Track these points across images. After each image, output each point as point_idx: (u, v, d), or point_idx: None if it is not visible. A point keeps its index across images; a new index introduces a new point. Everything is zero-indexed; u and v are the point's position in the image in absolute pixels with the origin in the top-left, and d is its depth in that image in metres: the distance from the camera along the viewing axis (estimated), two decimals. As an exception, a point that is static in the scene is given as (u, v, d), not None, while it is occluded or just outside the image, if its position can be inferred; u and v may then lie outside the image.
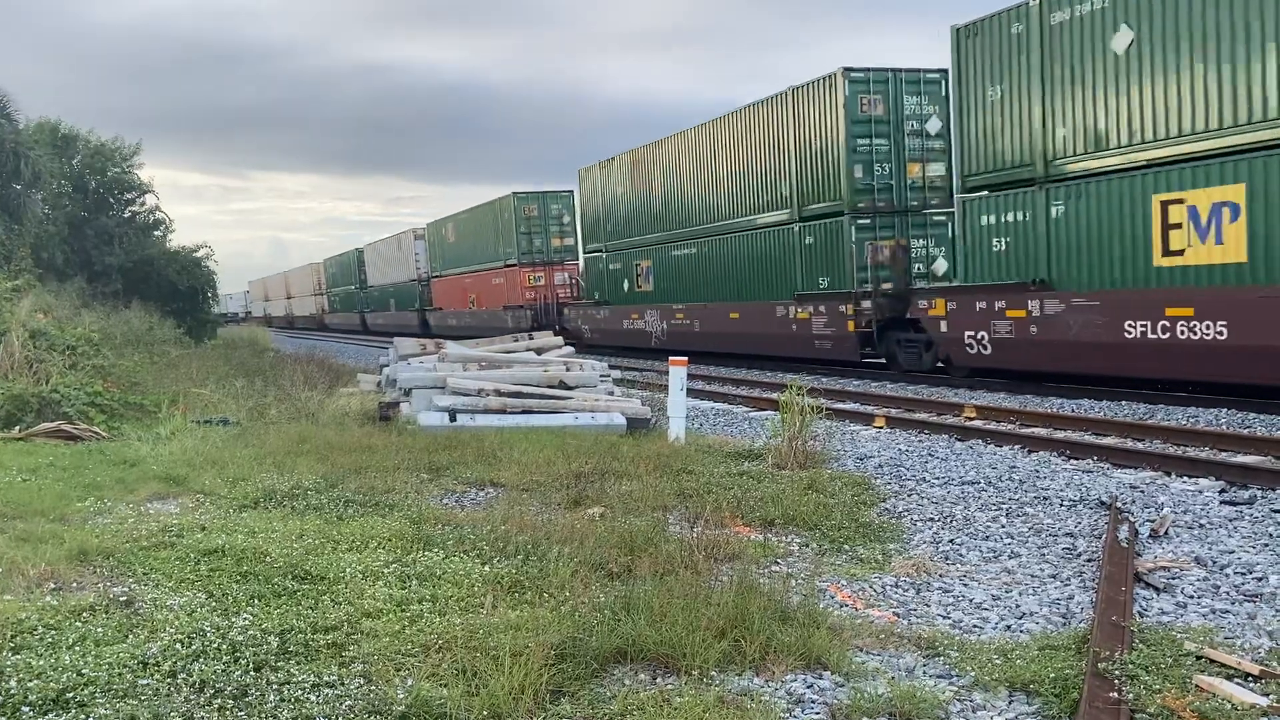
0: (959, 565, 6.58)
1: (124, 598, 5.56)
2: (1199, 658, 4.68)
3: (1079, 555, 6.70)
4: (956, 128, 17.46)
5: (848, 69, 19.87)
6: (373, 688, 4.33)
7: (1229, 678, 4.43)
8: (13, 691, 4.20)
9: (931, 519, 7.85)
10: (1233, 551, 6.64)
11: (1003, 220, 16.52)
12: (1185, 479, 9.19)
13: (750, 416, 15.23)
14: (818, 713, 4.26)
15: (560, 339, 17.35)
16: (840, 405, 14.98)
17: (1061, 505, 8.21)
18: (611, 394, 14.10)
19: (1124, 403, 14.44)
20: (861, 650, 4.95)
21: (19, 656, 4.63)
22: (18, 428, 12.35)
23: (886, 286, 19.73)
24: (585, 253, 32.69)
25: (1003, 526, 7.56)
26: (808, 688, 4.48)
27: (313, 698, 4.21)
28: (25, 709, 4.10)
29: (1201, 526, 7.38)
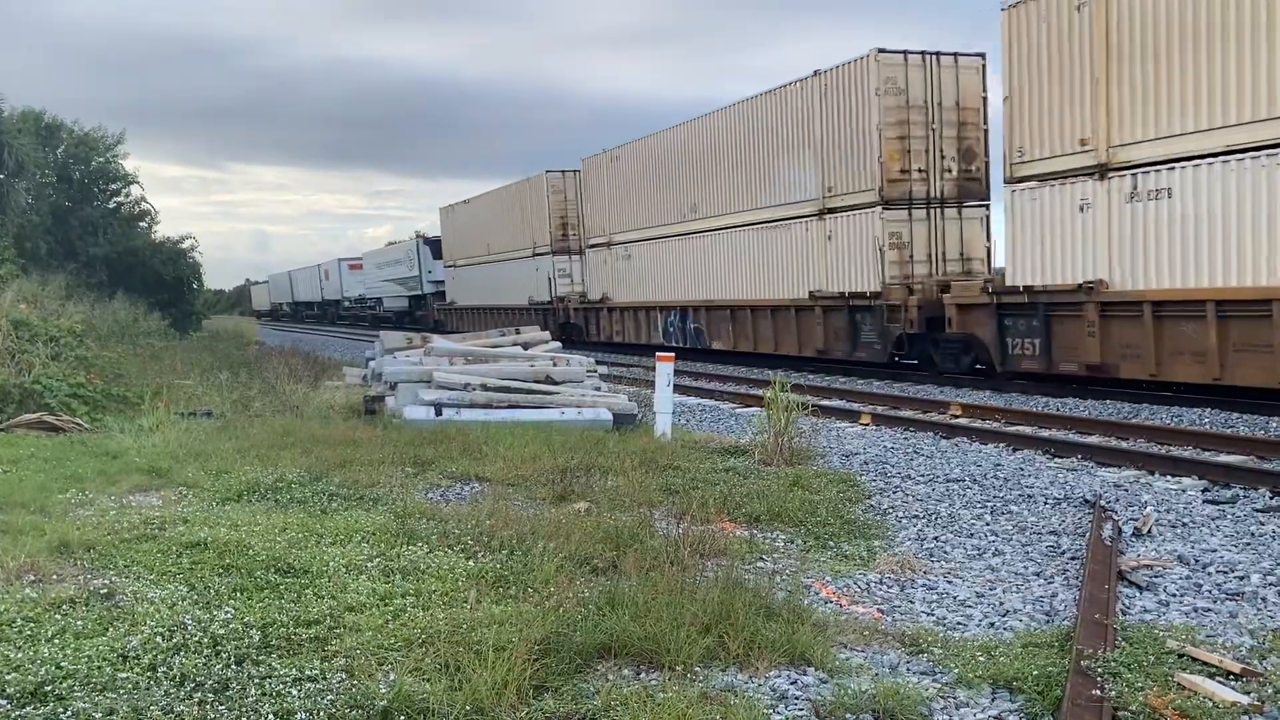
0: (943, 562, 6.59)
1: (104, 590, 5.51)
2: (1181, 656, 4.69)
3: (1063, 553, 6.72)
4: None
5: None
6: (355, 682, 4.30)
7: (1211, 676, 4.45)
8: (-10, 684, 4.16)
9: (916, 516, 7.86)
10: (1215, 550, 6.68)
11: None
12: (1169, 478, 9.23)
13: (737, 413, 15.23)
14: (801, 709, 4.26)
15: (547, 334, 17.12)
16: (826, 402, 15.00)
17: (1046, 503, 8.23)
18: (598, 389, 14.06)
19: (1108, 402, 14.50)
20: (845, 647, 4.95)
21: (-3, 649, 4.59)
22: (-1, 419, 12.24)
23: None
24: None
25: (987, 524, 7.58)
26: (791, 684, 4.48)
27: (294, 692, 4.19)
28: (2, 701, 4.06)
29: (1184, 525, 7.41)
